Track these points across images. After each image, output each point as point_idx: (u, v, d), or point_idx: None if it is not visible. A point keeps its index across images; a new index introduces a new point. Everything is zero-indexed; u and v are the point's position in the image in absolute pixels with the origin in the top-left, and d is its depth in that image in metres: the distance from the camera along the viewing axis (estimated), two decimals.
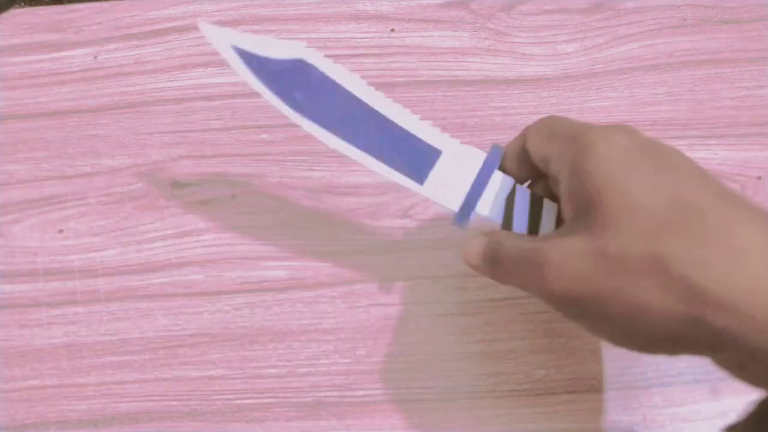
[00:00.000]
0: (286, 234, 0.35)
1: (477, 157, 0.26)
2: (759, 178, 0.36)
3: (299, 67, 0.26)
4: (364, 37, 0.39)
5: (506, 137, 0.37)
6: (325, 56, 0.27)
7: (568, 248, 0.21)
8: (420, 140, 0.26)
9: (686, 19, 0.39)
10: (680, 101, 0.38)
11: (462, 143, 0.27)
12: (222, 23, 0.40)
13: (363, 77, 0.27)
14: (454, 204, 0.26)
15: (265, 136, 0.37)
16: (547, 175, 0.25)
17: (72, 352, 0.33)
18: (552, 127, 0.25)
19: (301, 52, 0.26)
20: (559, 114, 0.37)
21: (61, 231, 0.35)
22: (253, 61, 0.26)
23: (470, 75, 0.38)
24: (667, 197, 0.20)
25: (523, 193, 0.26)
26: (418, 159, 0.26)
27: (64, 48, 0.40)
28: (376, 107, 0.26)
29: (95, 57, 0.39)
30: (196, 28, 0.40)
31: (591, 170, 0.21)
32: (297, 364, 0.33)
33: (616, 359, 0.32)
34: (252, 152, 0.37)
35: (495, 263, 0.25)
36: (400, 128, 0.26)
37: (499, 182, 0.26)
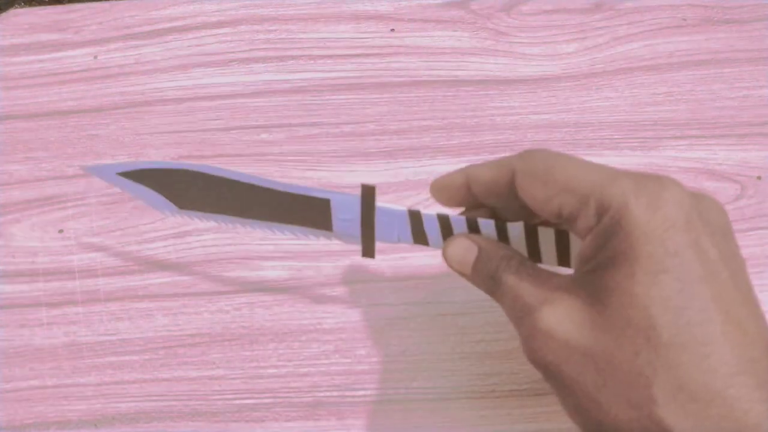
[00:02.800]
0: (286, 234, 0.35)
1: (356, 198, 0.27)
2: (759, 178, 0.36)
3: (187, 173, 0.28)
4: (364, 37, 0.39)
5: (506, 137, 0.37)
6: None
7: (565, 321, 0.21)
8: (310, 196, 0.27)
9: (686, 19, 0.39)
10: (680, 101, 0.38)
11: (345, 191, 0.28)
12: (222, 23, 0.40)
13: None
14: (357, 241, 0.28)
15: (264, 135, 0.37)
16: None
17: (72, 352, 0.33)
18: (558, 176, 0.22)
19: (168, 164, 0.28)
20: (560, 114, 0.37)
21: (61, 231, 0.35)
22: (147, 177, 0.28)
23: (470, 75, 0.38)
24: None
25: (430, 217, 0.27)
26: (316, 212, 0.27)
27: (64, 48, 0.40)
28: (266, 185, 0.27)
29: (95, 57, 0.39)
30: (196, 28, 0.40)
31: (633, 260, 0.19)
32: (297, 364, 0.33)
33: None
34: (252, 152, 0.37)
35: (486, 280, 0.25)
36: (289, 193, 0.27)
37: (392, 213, 0.27)
